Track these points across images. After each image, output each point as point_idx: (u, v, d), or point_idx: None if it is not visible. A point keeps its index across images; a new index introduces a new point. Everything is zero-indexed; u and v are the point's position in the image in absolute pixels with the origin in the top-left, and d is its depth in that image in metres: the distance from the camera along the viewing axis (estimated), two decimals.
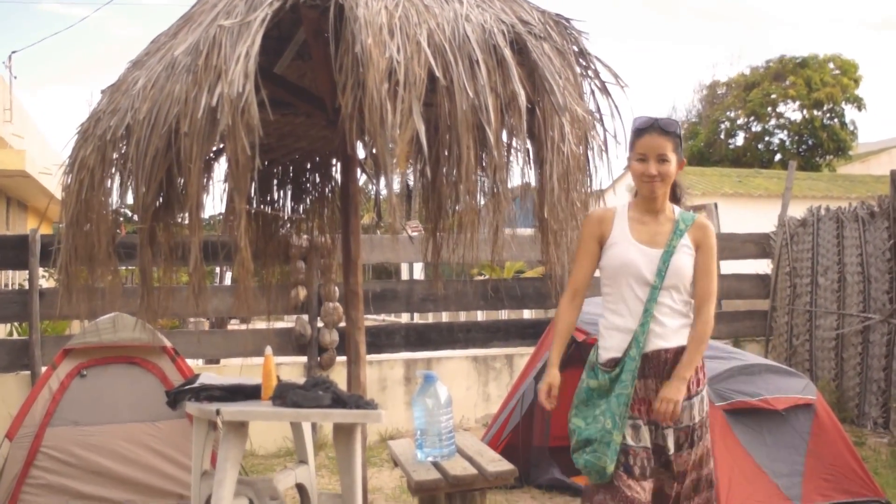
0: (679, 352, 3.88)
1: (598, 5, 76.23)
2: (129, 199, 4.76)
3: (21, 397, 7.46)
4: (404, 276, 19.70)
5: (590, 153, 5.12)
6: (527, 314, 12.07)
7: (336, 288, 9.03)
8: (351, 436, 4.58)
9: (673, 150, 3.89)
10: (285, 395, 4.50)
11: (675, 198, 4.11)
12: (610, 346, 3.94)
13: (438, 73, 4.14)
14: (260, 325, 9.89)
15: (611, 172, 5.87)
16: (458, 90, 4.18)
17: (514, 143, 5.18)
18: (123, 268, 5.17)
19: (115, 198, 4.79)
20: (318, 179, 6.43)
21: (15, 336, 11.65)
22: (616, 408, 3.80)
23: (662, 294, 3.87)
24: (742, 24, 72.73)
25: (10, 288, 15.20)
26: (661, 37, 77.87)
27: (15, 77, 19.77)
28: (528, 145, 4.99)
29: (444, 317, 14.03)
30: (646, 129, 3.91)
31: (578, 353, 7.14)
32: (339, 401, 4.50)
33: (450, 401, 4.98)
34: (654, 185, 3.89)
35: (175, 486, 6.16)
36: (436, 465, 5.22)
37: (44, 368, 7.17)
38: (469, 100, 4.21)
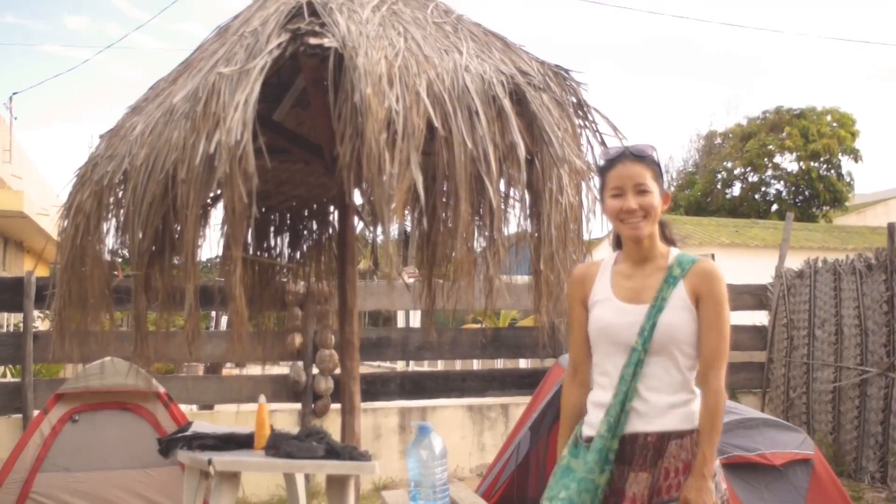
0: (666, 438, 3.14)
1: (593, 56, 76.82)
2: (125, 244, 4.75)
3: (12, 441, 7.40)
4: (400, 322, 19.66)
5: (586, 204, 5.12)
6: (523, 363, 12.03)
7: (332, 335, 9.00)
8: (344, 487, 4.54)
9: (653, 179, 3.20)
10: (279, 446, 4.46)
11: (668, 239, 3.39)
12: (590, 421, 3.30)
13: (437, 124, 4.14)
14: (255, 370, 9.85)
15: (605, 224, 5.86)
16: (456, 140, 4.18)
17: (511, 193, 5.19)
18: (118, 312, 5.15)
19: (110, 243, 4.79)
20: (315, 226, 6.42)
21: (8, 378, 11.58)
22: (576, 495, 3.16)
23: (650, 362, 3.15)
24: (739, 75, 73.25)
25: (4, 330, 15.15)
26: (656, 87, 78.36)
27: (16, 118, 19.84)
28: (526, 195, 5.00)
29: (440, 365, 13.99)
30: (616, 158, 3.25)
31: None
32: (332, 452, 4.46)
33: (445, 452, 4.92)
34: (637, 223, 3.18)
35: None
36: None
37: (36, 412, 7.12)
38: (468, 150, 4.20)
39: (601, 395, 3.27)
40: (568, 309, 3.52)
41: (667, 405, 3.15)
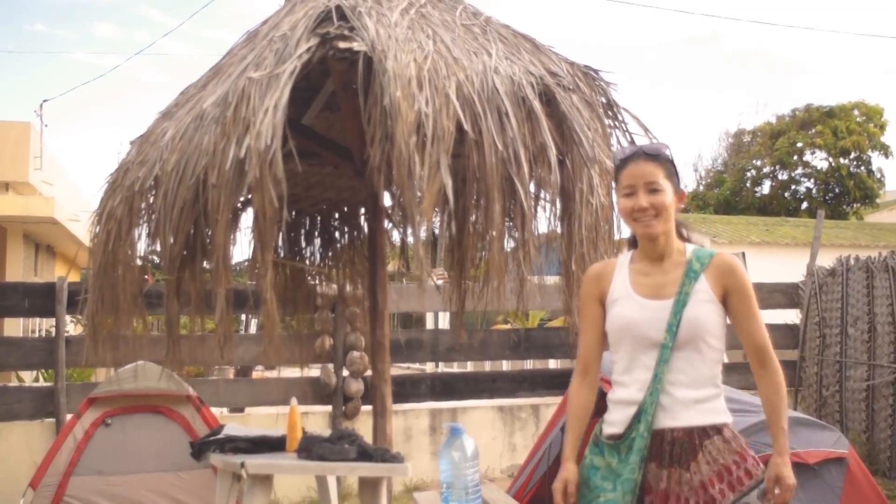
0: (695, 434, 3.10)
1: (620, 54, 76.61)
2: (157, 249, 4.78)
3: (46, 445, 7.45)
4: (429, 324, 19.66)
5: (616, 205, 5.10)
6: (552, 363, 12.00)
7: (362, 337, 9.01)
8: (377, 489, 4.54)
9: (665, 178, 3.19)
10: (311, 448, 4.46)
11: (683, 237, 3.36)
12: (612, 420, 3.28)
13: (467, 126, 4.14)
14: (285, 373, 9.87)
15: None
16: (487, 142, 4.18)
17: (542, 194, 5.18)
18: (150, 316, 5.18)
19: (142, 248, 4.81)
20: (345, 229, 6.44)
21: (41, 382, 11.67)
22: (621, 496, 3.13)
23: (676, 356, 3.12)
24: (766, 72, 72.82)
25: (36, 335, 15.28)
26: (685, 85, 78.10)
27: (46, 125, 20.00)
28: (557, 196, 4.99)
29: (469, 366, 13.97)
30: (629, 158, 3.24)
31: (604, 403, 7.08)
32: (364, 454, 4.45)
33: (477, 453, 4.92)
34: (649, 221, 3.17)
35: None
36: None
37: (69, 416, 7.17)
38: (498, 152, 4.20)
39: (623, 392, 3.24)
40: (581, 307, 3.49)
41: (692, 400, 3.13)
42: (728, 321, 3.22)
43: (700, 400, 3.13)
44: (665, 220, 3.20)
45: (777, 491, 3.10)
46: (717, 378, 3.18)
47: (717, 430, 3.12)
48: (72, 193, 19.23)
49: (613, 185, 3.58)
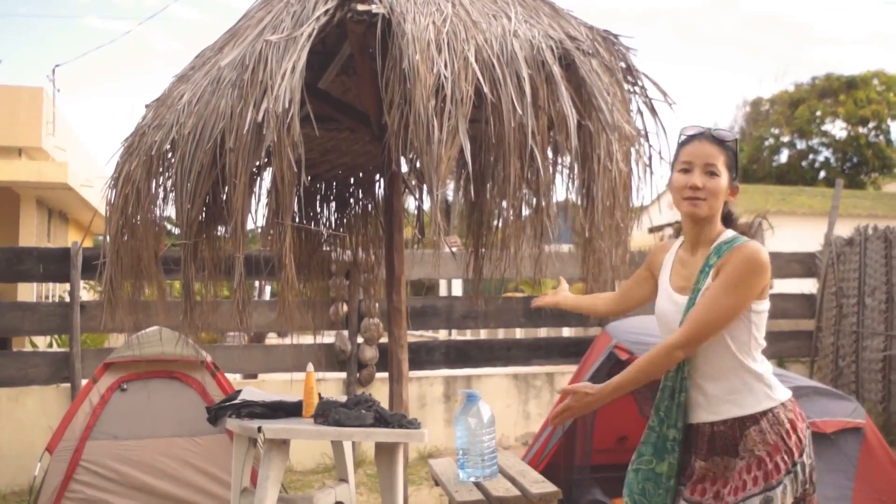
0: (739, 425, 3.10)
1: (638, 21, 76.05)
2: (173, 213, 4.76)
3: (61, 410, 7.47)
4: (442, 292, 19.66)
5: (635, 170, 5.06)
6: (567, 332, 11.99)
7: (377, 304, 9.01)
8: (393, 455, 4.53)
9: (725, 165, 3.15)
10: (327, 414, 4.45)
11: (729, 222, 3.30)
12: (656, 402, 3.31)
13: (486, 90, 4.10)
14: (298, 340, 9.88)
15: (654, 190, 5.81)
16: (505, 107, 4.14)
17: (559, 160, 5.15)
18: (167, 281, 5.17)
19: (158, 212, 4.79)
20: (360, 195, 6.40)
21: (55, 348, 11.71)
22: (634, 484, 3.28)
23: (699, 352, 3.13)
24: (785, 40, 72.23)
25: (51, 300, 15.32)
26: (704, 53, 77.56)
27: (58, 90, 19.97)
28: (574, 162, 4.95)
29: (483, 334, 13.97)
30: (694, 136, 3.22)
31: (619, 371, 7.06)
32: (381, 420, 4.44)
33: (493, 420, 4.92)
34: (697, 203, 3.14)
35: (214, 502, 6.13)
36: (478, 485, 5.17)
37: (84, 381, 7.18)
38: (517, 117, 4.16)
39: (664, 379, 3.26)
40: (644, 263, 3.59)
41: (725, 391, 3.12)
42: (759, 307, 3.14)
43: (733, 391, 3.11)
44: (712, 205, 3.16)
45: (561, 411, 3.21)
46: (750, 362, 3.13)
47: (756, 419, 3.09)
48: (84, 159, 19.24)
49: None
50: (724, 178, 3.16)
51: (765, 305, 3.16)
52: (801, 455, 3.07)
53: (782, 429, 3.08)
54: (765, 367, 3.17)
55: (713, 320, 3.04)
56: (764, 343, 3.17)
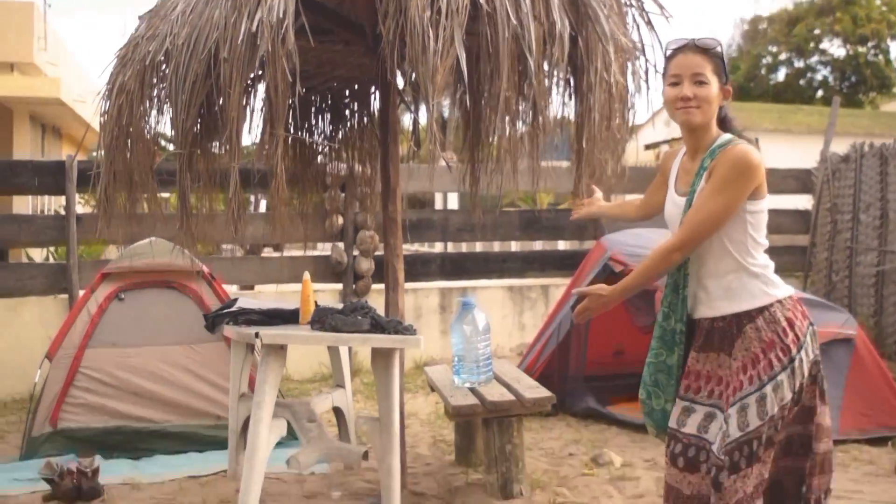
0: (737, 321, 3.21)
1: None
2: (168, 125, 4.77)
3: (59, 320, 7.55)
4: (438, 206, 19.68)
5: (631, 84, 5.05)
6: (562, 245, 12.06)
7: (372, 216, 9.05)
8: (389, 360, 4.61)
9: (713, 72, 3.26)
10: (324, 320, 4.51)
11: (726, 125, 3.40)
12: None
13: (481, 0, 4.09)
14: (294, 252, 9.95)
15: (650, 105, 5.80)
16: (500, 17, 4.13)
17: (555, 73, 5.13)
18: (160, 194, 5.19)
19: (153, 123, 4.79)
20: (356, 107, 6.39)
21: (51, 261, 11.77)
22: (647, 377, 3.46)
23: (699, 251, 3.27)
24: None
25: (45, 214, 15.33)
26: None
27: (49, 5, 19.72)
28: (570, 75, 4.94)
29: (479, 247, 14.03)
30: (679, 48, 3.32)
31: (614, 283, 7.12)
32: (377, 326, 4.51)
33: (488, 327, 5.01)
34: (689, 111, 3.26)
35: (213, 406, 6.24)
36: (473, 390, 5.27)
37: (81, 292, 7.24)
38: (511, 27, 4.16)
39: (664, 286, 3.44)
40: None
41: (722, 289, 3.27)
42: (753, 207, 3.25)
43: (729, 289, 3.26)
44: (705, 112, 3.28)
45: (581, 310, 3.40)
46: (748, 263, 3.25)
47: (752, 316, 3.21)
48: (77, 75, 19.06)
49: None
50: (713, 85, 3.27)
51: (760, 205, 3.27)
52: (798, 351, 3.15)
53: (778, 326, 3.18)
54: (764, 266, 3.28)
55: (704, 222, 3.18)
56: (765, 243, 3.28)
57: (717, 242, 3.24)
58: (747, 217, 3.23)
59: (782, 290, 3.27)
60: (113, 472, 5.63)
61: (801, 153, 13.06)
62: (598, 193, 4.15)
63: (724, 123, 3.38)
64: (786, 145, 18.46)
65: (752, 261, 3.25)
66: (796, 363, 3.14)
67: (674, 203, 3.41)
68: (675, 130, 3.44)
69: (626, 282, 3.34)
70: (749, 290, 3.23)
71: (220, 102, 4.29)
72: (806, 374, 3.18)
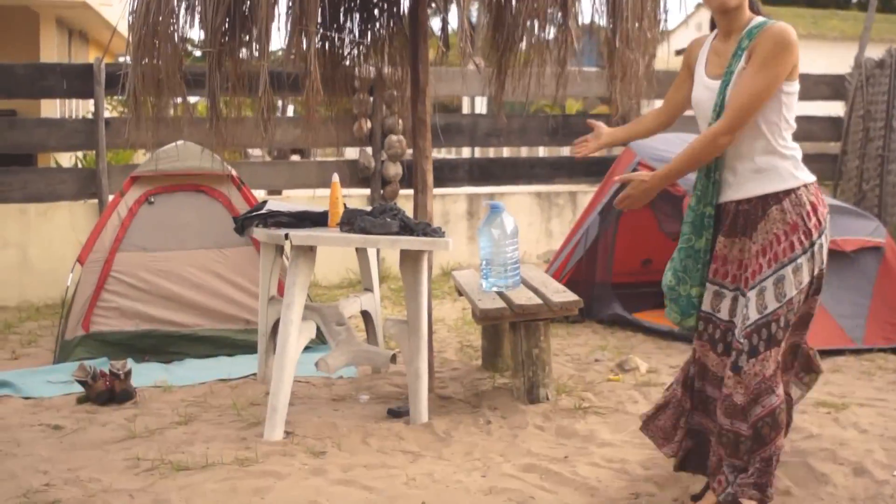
0: (761, 203, 3.25)
1: None
2: (196, 24, 4.71)
3: (89, 224, 7.59)
4: (465, 111, 19.54)
5: None
6: None
7: (400, 120, 8.99)
8: (418, 263, 4.61)
9: None
10: (353, 222, 4.50)
11: (755, 10, 3.39)
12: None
13: None
14: (322, 157, 9.92)
15: (684, 7, 5.69)
16: None
17: None
18: (189, 98, 5.15)
19: (182, 22, 4.73)
20: (385, 7, 6.28)
21: (80, 167, 11.80)
22: (678, 262, 3.48)
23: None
24: None
25: (73, 118, 15.31)
26: None
27: None
28: None
29: (506, 152, 13.96)
30: None
31: None
32: (406, 228, 4.50)
33: (516, 231, 4.97)
34: None
35: (241, 311, 6.28)
36: (501, 294, 5.26)
37: (111, 197, 7.26)
38: None
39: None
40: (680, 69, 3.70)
41: (752, 170, 3.29)
42: (789, 88, 3.26)
43: (759, 170, 3.28)
44: None
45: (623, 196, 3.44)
46: (780, 146, 3.28)
47: (779, 198, 3.25)
48: None
49: None
50: None
51: (795, 87, 3.28)
52: (819, 236, 3.23)
53: (803, 210, 3.23)
54: (793, 149, 3.31)
55: (751, 102, 3.18)
56: (794, 125, 3.30)
57: (752, 127, 3.24)
58: (783, 98, 3.25)
59: (808, 175, 3.32)
60: (144, 375, 5.69)
61: (835, 60, 12.84)
62: (601, 126, 4.02)
63: (751, 4, 3.36)
64: (819, 51, 18.15)
65: (784, 143, 3.28)
66: (816, 247, 3.22)
67: (705, 87, 3.38)
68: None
69: (669, 167, 3.36)
70: (779, 172, 3.26)
71: (250, 0, 4.24)
72: (825, 259, 3.26)
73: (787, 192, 3.24)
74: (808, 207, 3.23)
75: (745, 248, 3.31)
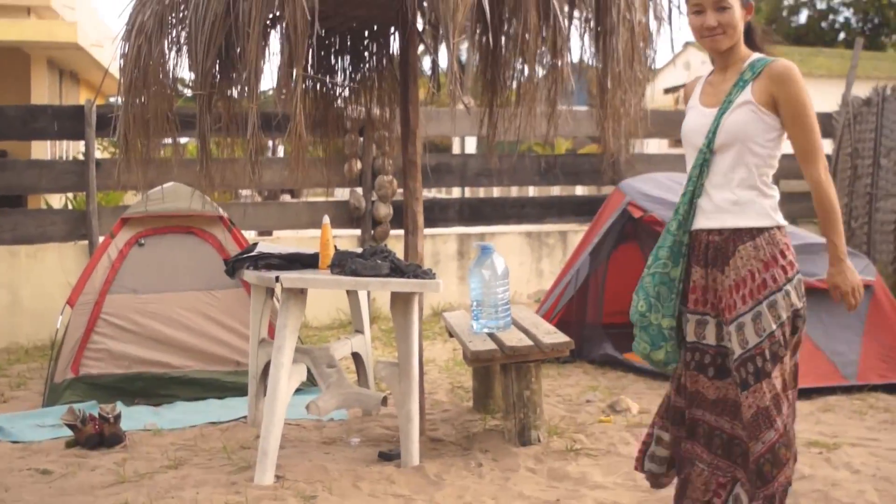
0: (732, 237, 3.22)
1: None
2: (186, 67, 4.73)
3: (79, 266, 7.57)
4: (456, 151, 19.60)
5: (653, 23, 4.99)
6: (580, 190, 12.00)
7: (391, 161, 9.01)
8: (408, 305, 4.60)
9: None
10: (344, 264, 4.49)
11: (754, 44, 3.41)
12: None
13: None
14: (312, 198, 9.93)
15: (672, 46, 5.73)
16: None
17: (575, 14, 5.07)
18: (179, 139, 5.17)
19: (172, 65, 4.75)
20: (375, 49, 6.31)
21: (70, 208, 11.78)
22: (650, 287, 3.37)
23: (715, 160, 3.27)
24: None
25: (64, 159, 15.31)
26: None
27: None
28: (591, 15, 4.88)
29: (496, 192, 13.98)
30: None
31: (633, 229, 7.11)
32: (397, 270, 4.49)
33: (507, 272, 4.98)
34: (716, 39, 3.27)
35: (232, 352, 6.25)
36: (491, 336, 5.25)
37: (101, 238, 7.24)
38: None
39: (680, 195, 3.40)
40: None
41: (730, 201, 3.25)
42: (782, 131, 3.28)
43: (737, 202, 3.24)
44: (731, 36, 3.27)
45: (838, 299, 3.30)
46: (762, 182, 3.25)
47: (752, 234, 3.22)
48: (94, 20, 18.92)
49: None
50: (735, 8, 3.25)
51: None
52: (795, 274, 3.21)
53: (776, 249, 3.21)
54: (774, 190, 3.28)
55: (817, 134, 3.24)
56: (776, 165, 3.26)
57: (738, 157, 3.24)
58: (777, 133, 3.26)
59: (783, 220, 3.29)
60: (134, 419, 5.65)
61: (823, 98, 12.91)
62: None
63: (748, 34, 3.38)
64: (807, 89, 18.24)
65: (765, 180, 3.26)
66: (791, 285, 3.18)
67: (700, 114, 3.36)
68: (696, 74, 3.41)
69: (837, 239, 3.27)
70: (756, 209, 3.23)
71: (239, 43, 4.25)
72: (802, 299, 3.22)
73: (762, 230, 3.21)
74: (782, 246, 3.22)
75: (717, 281, 3.27)
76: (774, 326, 3.14)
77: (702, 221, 3.30)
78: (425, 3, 4.52)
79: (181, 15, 4.57)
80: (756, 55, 3.33)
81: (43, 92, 15.87)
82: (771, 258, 3.18)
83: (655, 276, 3.37)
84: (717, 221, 3.26)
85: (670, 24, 5.04)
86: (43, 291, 8.20)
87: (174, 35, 4.67)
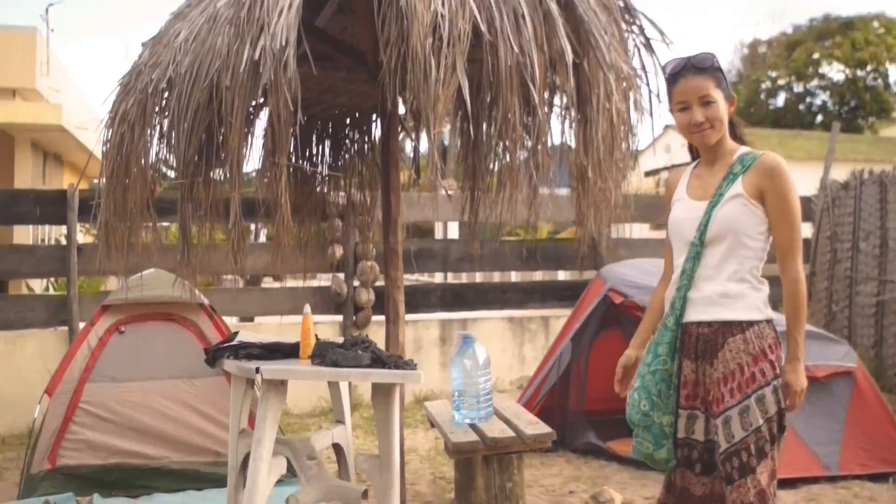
0: (721, 330, 3.23)
1: None
2: (170, 154, 4.73)
3: (59, 353, 7.48)
4: (437, 236, 19.65)
5: (632, 112, 5.03)
6: (562, 275, 12.01)
7: (372, 246, 9.01)
8: (389, 396, 4.54)
9: (716, 88, 3.29)
10: (325, 355, 4.45)
11: (738, 137, 3.47)
12: (664, 315, 3.44)
13: (483, 28, 4.07)
14: (294, 283, 9.90)
15: (653, 132, 5.77)
16: (502, 45, 4.11)
17: (556, 101, 5.11)
18: (161, 224, 5.16)
19: (154, 152, 4.76)
20: (356, 136, 6.36)
21: (51, 292, 11.71)
22: (652, 386, 3.33)
23: (706, 253, 3.28)
24: None
25: (46, 244, 15.27)
26: None
27: (52, 30, 19.71)
28: (571, 104, 4.91)
29: (479, 277, 13.99)
30: (679, 72, 3.35)
31: (614, 316, 7.09)
32: (378, 361, 4.44)
33: (488, 362, 4.94)
34: (704, 134, 3.32)
35: (212, 443, 6.17)
36: (473, 427, 5.20)
37: (82, 324, 7.18)
38: (514, 55, 4.14)
39: (671, 290, 3.41)
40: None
41: (718, 294, 3.26)
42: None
43: (727, 295, 3.25)
44: (718, 130, 3.34)
45: (786, 397, 3.23)
46: (752, 276, 3.27)
47: (742, 327, 3.22)
48: (79, 101, 19.05)
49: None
50: (720, 102, 3.32)
51: None
52: (769, 383, 3.20)
53: (765, 343, 3.22)
54: (763, 284, 3.30)
55: (799, 230, 3.30)
56: (765, 258, 3.29)
57: (729, 250, 3.27)
58: (767, 227, 3.29)
59: (772, 314, 3.30)
60: None
61: (800, 179, 13.01)
62: (628, 358, 3.68)
63: (731, 127, 3.44)
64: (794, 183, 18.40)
65: (755, 273, 3.29)
66: (778, 382, 3.20)
67: (690, 208, 3.38)
68: (675, 157, 3.47)
69: (795, 345, 3.26)
70: (746, 302, 3.25)
71: (222, 131, 4.26)
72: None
73: (751, 324, 3.22)
74: (771, 341, 3.22)
75: (706, 374, 3.27)
76: (761, 421, 3.13)
77: (691, 314, 3.31)
78: (407, 92, 4.54)
79: (164, 103, 4.59)
80: (744, 148, 3.38)
81: (26, 174, 15.91)
82: (760, 352, 3.18)
83: (656, 373, 3.34)
84: (707, 314, 3.27)
85: (651, 114, 5.09)
86: (21, 378, 8.09)
87: (157, 123, 4.69)
